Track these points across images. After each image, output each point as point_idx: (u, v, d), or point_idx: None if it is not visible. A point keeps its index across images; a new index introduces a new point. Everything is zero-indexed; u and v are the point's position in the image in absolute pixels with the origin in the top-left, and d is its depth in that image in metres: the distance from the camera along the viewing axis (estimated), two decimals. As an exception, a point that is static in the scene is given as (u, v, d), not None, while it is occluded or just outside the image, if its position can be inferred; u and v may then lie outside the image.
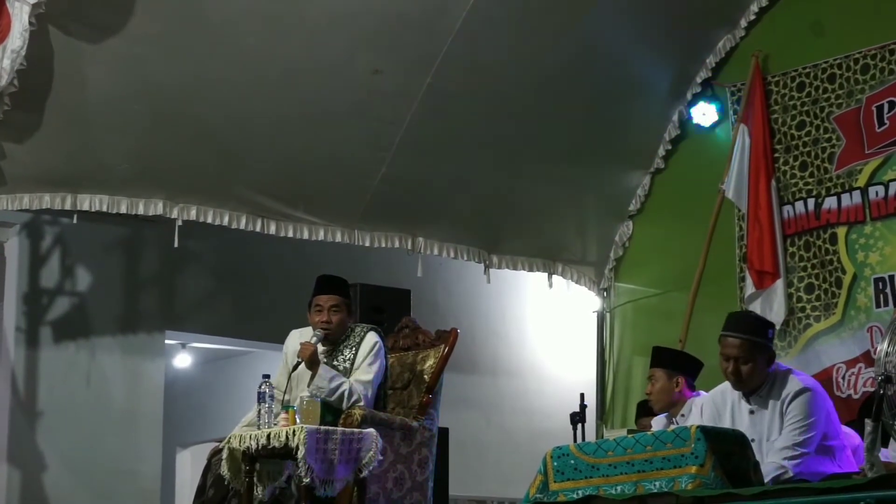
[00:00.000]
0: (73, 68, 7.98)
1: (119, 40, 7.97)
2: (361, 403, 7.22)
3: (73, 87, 8.05)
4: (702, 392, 7.63)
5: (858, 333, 8.64)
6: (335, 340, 7.47)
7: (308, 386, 7.24)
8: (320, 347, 7.42)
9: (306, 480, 6.53)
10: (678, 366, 7.68)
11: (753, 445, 6.12)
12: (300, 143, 8.89)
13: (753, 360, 6.22)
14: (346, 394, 7.23)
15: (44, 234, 9.41)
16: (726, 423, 6.29)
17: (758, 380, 6.25)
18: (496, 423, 11.18)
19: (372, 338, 7.44)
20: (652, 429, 7.46)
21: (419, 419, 7.59)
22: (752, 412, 6.25)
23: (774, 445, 6.08)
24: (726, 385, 6.46)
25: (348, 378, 7.32)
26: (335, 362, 7.40)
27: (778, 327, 8.80)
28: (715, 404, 6.44)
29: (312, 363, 7.30)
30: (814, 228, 9.02)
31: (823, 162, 9.01)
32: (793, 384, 6.19)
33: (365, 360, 7.37)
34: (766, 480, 5.89)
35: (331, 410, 7.07)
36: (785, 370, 6.30)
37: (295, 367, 7.30)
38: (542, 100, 9.35)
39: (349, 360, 7.40)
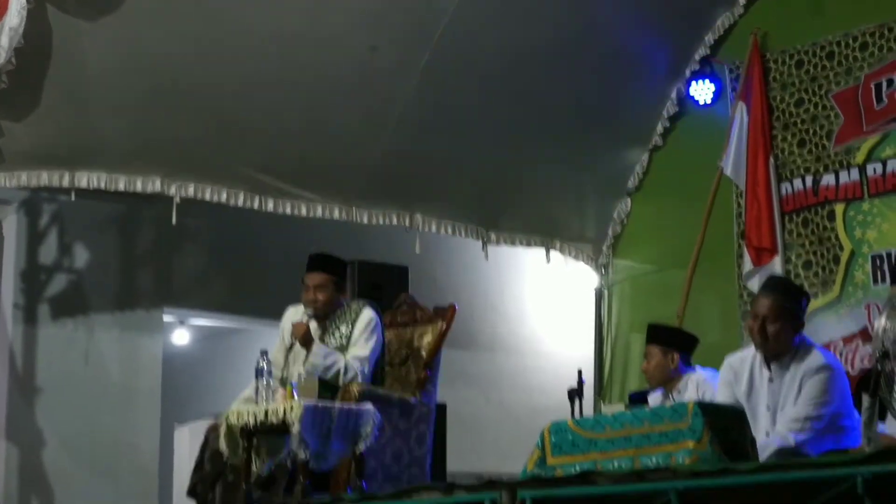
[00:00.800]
0: (71, 45, 7.96)
1: (116, 17, 7.96)
2: (359, 379, 7.24)
3: (70, 65, 8.04)
4: (698, 367, 7.66)
5: (856, 310, 8.64)
6: (326, 317, 7.48)
7: (304, 364, 7.25)
8: (312, 325, 7.43)
9: (302, 456, 6.55)
10: (673, 342, 7.71)
11: (768, 414, 6.19)
12: (298, 120, 8.88)
13: (781, 322, 6.25)
14: (341, 370, 7.25)
15: (41, 212, 9.40)
16: (743, 389, 6.34)
17: (782, 345, 6.26)
18: (494, 398, 11.20)
19: (368, 313, 7.45)
20: (649, 405, 7.50)
21: (417, 395, 7.62)
22: (771, 380, 6.27)
23: (784, 416, 6.10)
24: (746, 352, 6.48)
25: (344, 354, 7.34)
26: (331, 339, 7.41)
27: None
28: (733, 369, 6.45)
29: (306, 342, 7.32)
30: (812, 205, 9.02)
31: (822, 139, 9.01)
32: (815, 359, 6.21)
33: (361, 336, 7.38)
34: (769, 449, 5.93)
35: (328, 388, 7.08)
36: (809, 344, 6.33)
37: (290, 347, 7.31)
38: (541, 76, 9.33)
39: (345, 336, 7.42)
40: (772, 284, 6.61)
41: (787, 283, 7.12)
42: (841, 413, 6.13)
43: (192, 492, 7.51)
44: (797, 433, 6.02)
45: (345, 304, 7.55)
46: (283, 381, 6.96)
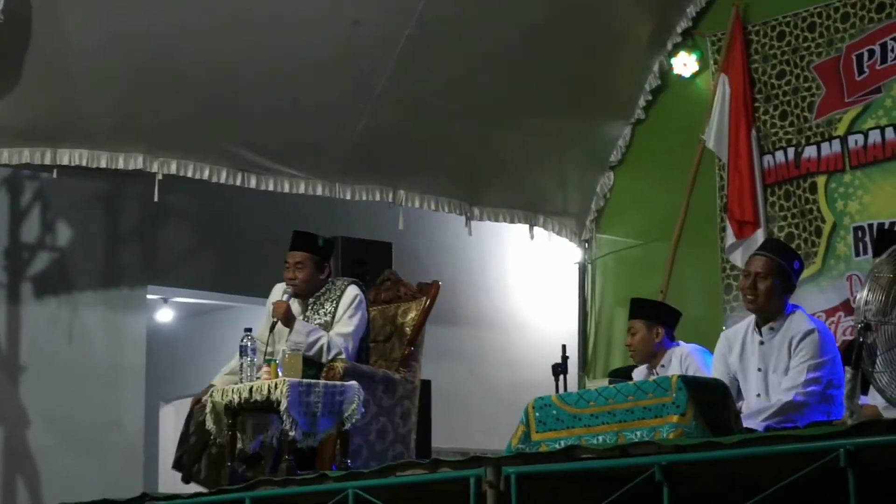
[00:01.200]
0: (51, 21, 7.94)
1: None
2: (342, 356, 7.25)
3: (51, 41, 8.02)
4: (681, 342, 7.67)
5: (838, 282, 8.66)
6: (309, 295, 7.48)
7: (286, 341, 7.26)
8: (296, 304, 7.44)
9: (291, 434, 6.55)
10: (658, 316, 7.72)
11: (759, 375, 6.28)
12: (280, 95, 8.87)
13: (771, 279, 6.32)
14: (324, 347, 7.25)
15: (24, 189, 9.38)
16: (735, 355, 6.41)
17: (772, 303, 6.33)
18: (478, 374, 11.21)
19: (352, 291, 7.45)
20: (633, 380, 7.50)
21: (401, 371, 7.62)
22: (761, 343, 6.34)
23: (782, 385, 6.13)
24: (740, 325, 6.55)
25: (328, 332, 7.34)
26: (315, 317, 7.41)
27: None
28: (728, 341, 6.53)
29: (287, 319, 7.32)
30: (794, 178, 9.02)
31: (803, 111, 9.01)
32: (802, 323, 6.29)
33: (345, 313, 7.38)
34: (772, 408, 5.97)
35: (312, 365, 7.08)
36: (797, 309, 6.39)
37: (272, 326, 7.31)
38: (523, 50, 9.32)
39: (329, 313, 7.42)
40: (765, 244, 6.73)
41: (780, 243, 7.28)
42: (832, 382, 6.17)
43: (177, 464, 7.51)
44: (798, 396, 6.07)
45: (330, 282, 7.55)
46: (269, 359, 6.95)
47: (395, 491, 5.47)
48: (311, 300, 7.49)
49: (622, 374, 8.52)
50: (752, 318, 6.48)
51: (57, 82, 8.22)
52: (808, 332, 6.23)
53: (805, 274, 8.68)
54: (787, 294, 6.40)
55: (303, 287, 7.47)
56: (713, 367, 6.71)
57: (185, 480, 7.49)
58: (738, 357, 6.41)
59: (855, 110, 8.71)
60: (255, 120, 8.93)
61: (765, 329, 6.36)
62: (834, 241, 8.74)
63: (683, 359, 7.48)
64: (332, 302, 7.44)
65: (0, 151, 8.36)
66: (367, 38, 8.74)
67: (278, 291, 7.59)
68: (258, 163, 9.09)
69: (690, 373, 7.14)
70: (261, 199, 9.64)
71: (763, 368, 6.29)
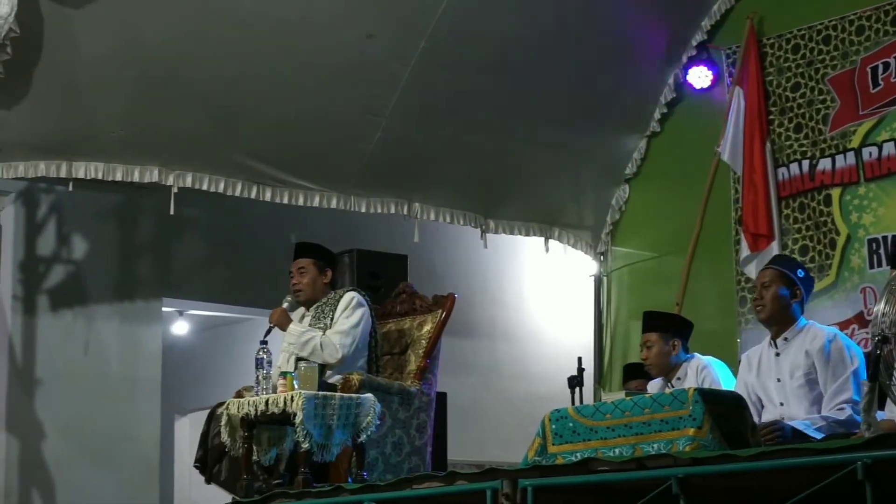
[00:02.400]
0: (64, 34, 7.96)
1: (109, 4, 7.96)
2: (337, 354, 7.23)
3: (63, 54, 8.03)
4: (697, 355, 7.64)
5: (852, 295, 8.65)
6: (314, 301, 7.52)
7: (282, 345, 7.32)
8: (300, 311, 7.47)
9: (305, 446, 6.55)
10: (673, 329, 7.67)
11: (779, 385, 6.27)
12: (295, 108, 8.88)
13: (775, 286, 6.39)
14: (317, 346, 7.26)
15: (39, 202, 9.40)
16: (754, 373, 6.43)
17: (780, 311, 6.39)
18: (494, 387, 11.21)
19: (349, 295, 7.49)
20: (648, 391, 7.49)
21: (417, 384, 7.62)
22: (777, 355, 6.36)
23: (829, 403, 6.14)
24: (759, 345, 6.58)
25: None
26: (317, 324, 7.44)
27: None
28: (748, 360, 6.58)
29: (280, 322, 7.39)
30: (808, 190, 9.02)
31: (818, 123, 9.01)
32: (818, 332, 6.33)
33: (341, 315, 7.42)
34: (820, 423, 5.98)
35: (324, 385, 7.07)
36: (809, 322, 6.43)
37: (267, 332, 7.34)
38: (538, 63, 9.33)
39: (329, 317, 7.45)
40: (772, 259, 6.85)
41: (785, 255, 7.42)
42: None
43: (200, 463, 7.54)
44: (841, 412, 6.09)
45: (332, 292, 7.59)
46: (285, 372, 6.95)
47: (411, 503, 5.47)
48: (313, 309, 7.52)
49: (636, 368, 8.51)
50: (768, 336, 6.50)
51: (71, 95, 8.24)
52: (832, 340, 6.25)
53: (819, 286, 8.70)
54: (795, 302, 6.42)
55: (308, 291, 7.54)
56: (737, 387, 6.71)
57: (207, 481, 7.53)
58: (756, 373, 6.43)
59: (869, 123, 8.71)
60: (270, 133, 8.94)
61: (779, 341, 6.39)
62: (848, 254, 8.73)
63: (700, 371, 7.44)
64: (331, 308, 7.47)
65: (16, 165, 8.38)
66: (381, 51, 8.76)
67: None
68: (273, 175, 9.10)
69: (707, 385, 7.12)
70: (275, 212, 9.66)
71: (781, 379, 6.30)
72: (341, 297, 7.52)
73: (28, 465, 9.08)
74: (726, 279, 9.37)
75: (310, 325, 7.46)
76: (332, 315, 7.46)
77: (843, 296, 8.70)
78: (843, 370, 6.18)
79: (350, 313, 7.44)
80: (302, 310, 7.63)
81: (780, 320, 6.40)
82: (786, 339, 6.37)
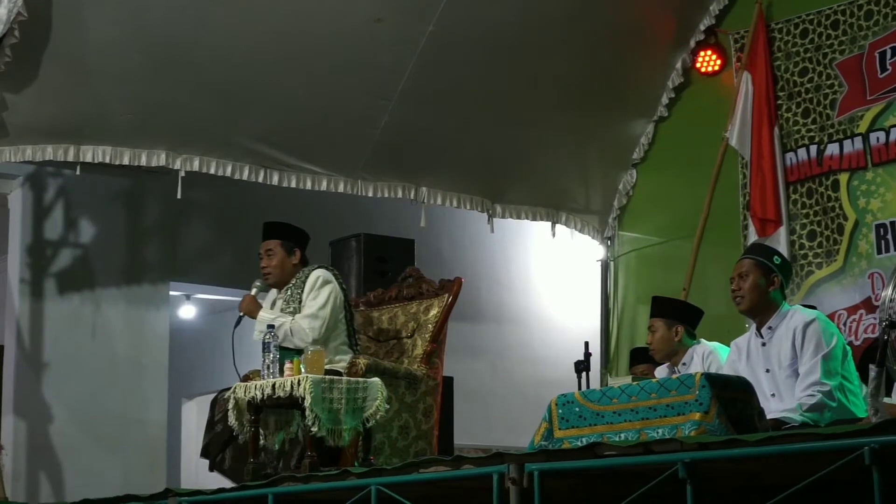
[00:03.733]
0: (73, 18, 7.95)
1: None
2: (308, 338, 7.17)
3: (73, 38, 8.03)
4: (703, 341, 7.66)
5: (860, 280, 8.65)
6: (284, 283, 7.47)
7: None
8: (272, 294, 7.45)
9: (314, 430, 6.55)
10: (677, 315, 7.72)
11: (769, 376, 6.25)
12: (302, 92, 8.87)
13: (752, 276, 6.37)
14: (287, 332, 7.20)
15: (47, 186, 9.41)
16: (743, 362, 6.40)
17: (758, 300, 6.35)
18: (501, 371, 11.22)
19: (315, 273, 7.39)
20: (656, 377, 7.49)
21: (424, 368, 7.62)
22: (763, 344, 6.33)
23: (799, 386, 6.12)
24: (746, 334, 6.55)
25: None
26: (287, 307, 7.38)
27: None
28: (737, 347, 6.54)
29: (249, 311, 7.35)
30: (816, 175, 9.01)
31: (825, 108, 9.00)
32: (799, 316, 6.29)
33: (308, 296, 7.33)
34: (799, 413, 5.97)
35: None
36: (792, 308, 6.39)
37: (237, 322, 7.33)
38: (546, 48, 9.32)
39: (296, 299, 7.38)
40: (747, 248, 6.82)
41: (759, 244, 7.40)
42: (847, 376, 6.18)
43: (205, 451, 7.54)
44: (820, 391, 6.07)
45: (301, 272, 7.49)
46: (292, 356, 6.94)
47: (417, 487, 5.47)
48: (284, 291, 7.46)
49: (642, 352, 8.53)
50: (754, 325, 6.49)
51: (79, 79, 8.24)
52: (809, 323, 6.22)
53: (827, 271, 8.70)
54: (774, 290, 6.38)
55: (276, 274, 7.46)
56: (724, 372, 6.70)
57: (211, 468, 7.53)
58: (745, 363, 6.41)
59: (877, 108, 8.70)
60: (278, 117, 8.94)
61: (764, 330, 6.35)
62: (856, 239, 8.72)
63: (706, 357, 7.47)
64: (299, 290, 7.40)
65: (23, 148, 8.38)
66: (389, 34, 8.75)
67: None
68: (280, 159, 9.10)
69: (713, 370, 7.12)
70: (282, 196, 9.65)
71: (770, 369, 6.27)
72: (307, 276, 7.44)
73: (35, 449, 9.11)
74: (734, 264, 9.34)
75: (281, 309, 7.40)
76: (300, 297, 7.37)
77: (850, 281, 8.70)
78: (815, 352, 6.15)
79: (316, 294, 7.32)
80: (274, 292, 7.53)
81: (761, 310, 6.36)
82: (770, 327, 6.33)
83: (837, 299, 8.61)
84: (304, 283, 7.37)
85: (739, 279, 6.41)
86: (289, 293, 7.41)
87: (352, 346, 7.43)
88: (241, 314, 7.41)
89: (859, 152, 8.78)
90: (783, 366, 6.22)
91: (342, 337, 7.41)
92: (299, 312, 7.29)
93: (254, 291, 7.46)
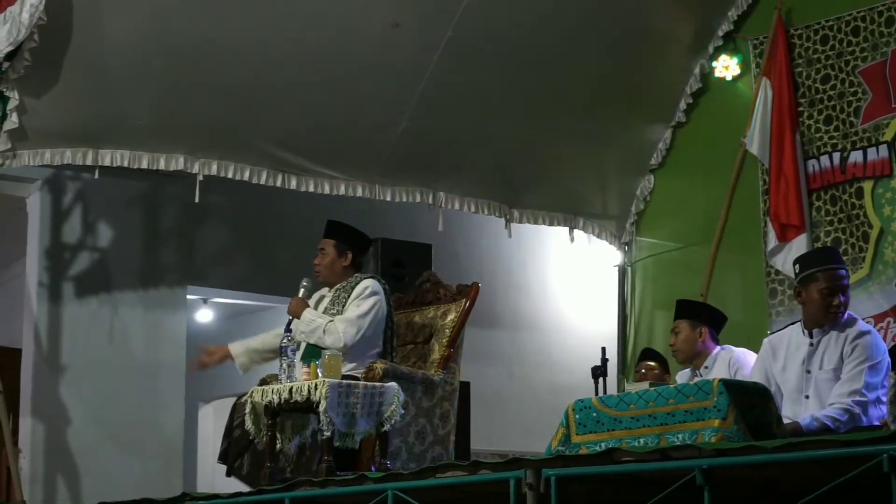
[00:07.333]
0: (93, 22, 7.96)
1: (138, -7, 7.98)
2: (340, 342, 7.17)
3: (92, 42, 8.04)
4: (730, 346, 7.63)
5: (886, 288, 8.61)
6: (334, 282, 7.50)
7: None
8: (321, 292, 7.49)
9: (328, 434, 6.55)
10: (702, 317, 7.71)
11: (807, 377, 6.24)
12: (320, 97, 8.87)
13: (848, 291, 6.36)
14: (322, 330, 7.21)
15: (65, 190, 9.43)
16: (780, 360, 6.38)
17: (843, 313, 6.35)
18: (518, 376, 11.20)
19: (364, 282, 7.43)
20: (676, 381, 7.48)
21: (440, 373, 7.62)
22: (811, 344, 6.30)
23: (838, 389, 6.09)
24: (786, 330, 6.53)
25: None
26: (333, 308, 7.40)
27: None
28: (771, 345, 6.52)
29: (295, 311, 7.37)
30: (839, 182, 8.97)
31: (849, 116, 8.96)
32: (856, 325, 6.29)
33: (352, 302, 7.35)
34: (828, 417, 5.95)
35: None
36: (856, 317, 6.41)
37: (288, 324, 7.34)
38: (563, 53, 9.31)
39: (342, 302, 7.41)
40: (832, 255, 6.68)
41: (836, 251, 7.41)
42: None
43: (223, 457, 7.54)
44: (857, 401, 6.05)
45: (354, 277, 7.52)
46: (308, 360, 6.95)
47: (434, 492, 5.46)
48: (334, 291, 7.50)
49: (650, 351, 8.52)
50: (798, 323, 6.45)
51: (98, 83, 8.25)
52: (864, 334, 6.21)
53: (853, 279, 8.66)
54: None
55: (324, 273, 7.52)
56: (752, 371, 6.67)
57: (228, 474, 7.54)
58: (782, 362, 6.38)
59: (903, 116, 8.66)
60: (296, 121, 8.94)
61: (815, 330, 6.32)
62: (881, 247, 8.69)
63: (731, 363, 7.44)
64: (346, 293, 7.43)
65: (42, 152, 8.39)
66: (406, 40, 8.75)
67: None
68: (298, 164, 9.10)
69: (739, 378, 7.08)
70: (300, 199, 9.66)
71: (811, 371, 6.25)
72: (358, 283, 7.47)
73: (53, 451, 9.12)
74: (754, 271, 9.33)
75: (325, 309, 7.43)
76: (345, 301, 7.40)
77: (878, 289, 8.67)
78: (862, 361, 6.13)
79: (360, 302, 7.35)
80: (325, 290, 7.60)
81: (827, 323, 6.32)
82: (823, 329, 6.31)
83: (864, 307, 8.56)
84: (352, 288, 7.42)
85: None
86: (337, 294, 7.45)
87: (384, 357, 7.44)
88: (291, 317, 7.40)
89: (884, 160, 8.74)
90: (826, 369, 6.21)
91: (375, 351, 7.41)
92: (339, 316, 7.32)
93: (301, 293, 7.47)
